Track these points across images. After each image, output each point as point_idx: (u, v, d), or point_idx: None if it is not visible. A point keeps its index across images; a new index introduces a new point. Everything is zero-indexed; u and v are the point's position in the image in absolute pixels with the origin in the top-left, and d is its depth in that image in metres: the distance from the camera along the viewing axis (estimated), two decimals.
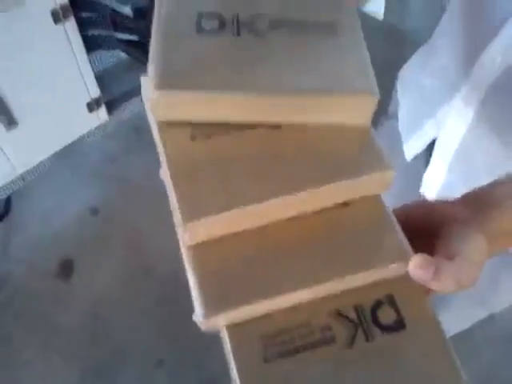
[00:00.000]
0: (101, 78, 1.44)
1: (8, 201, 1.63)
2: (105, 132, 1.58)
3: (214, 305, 0.34)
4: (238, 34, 0.41)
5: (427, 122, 0.69)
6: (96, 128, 1.53)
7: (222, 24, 0.41)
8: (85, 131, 1.51)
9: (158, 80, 0.36)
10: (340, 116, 0.40)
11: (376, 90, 0.38)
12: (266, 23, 0.42)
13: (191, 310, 0.35)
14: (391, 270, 0.37)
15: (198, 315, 0.34)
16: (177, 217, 0.35)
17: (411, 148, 0.74)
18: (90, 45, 1.37)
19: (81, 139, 1.51)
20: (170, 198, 0.38)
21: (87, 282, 1.55)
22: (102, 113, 1.51)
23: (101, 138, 1.63)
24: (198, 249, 0.37)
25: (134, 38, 1.42)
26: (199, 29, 0.40)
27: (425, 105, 0.71)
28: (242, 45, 0.40)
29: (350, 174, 0.37)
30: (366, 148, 0.39)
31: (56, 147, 1.47)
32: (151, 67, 0.37)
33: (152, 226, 1.62)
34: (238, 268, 0.37)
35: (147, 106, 0.42)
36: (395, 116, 0.78)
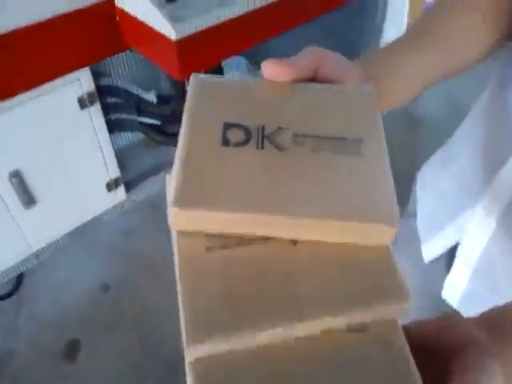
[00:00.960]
0: (119, 156, 1.48)
1: (20, 277, 1.62)
2: (121, 210, 1.59)
3: None
4: (262, 147, 0.40)
5: (448, 226, 0.69)
6: (113, 207, 1.55)
7: (248, 136, 0.41)
8: (102, 210, 1.52)
9: (176, 197, 0.36)
10: (360, 240, 0.39)
11: (396, 221, 0.37)
12: (289, 138, 0.41)
13: None
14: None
15: None
16: (183, 335, 0.34)
17: (430, 249, 0.72)
18: (113, 127, 1.42)
19: (97, 217, 1.52)
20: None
21: (94, 364, 1.50)
22: (121, 192, 1.53)
23: (117, 216, 1.64)
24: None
25: (155, 122, 1.47)
26: (225, 141, 0.40)
27: (445, 208, 0.70)
28: (265, 160, 0.40)
29: (366, 303, 0.36)
30: (385, 275, 0.38)
31: (72, 226, 1.48)
32: (172, 180, 0.37)
33: (162, 306, 1.59)
34: None
35: (168, 200, 0.42)
36: (414, 215, 0.78)
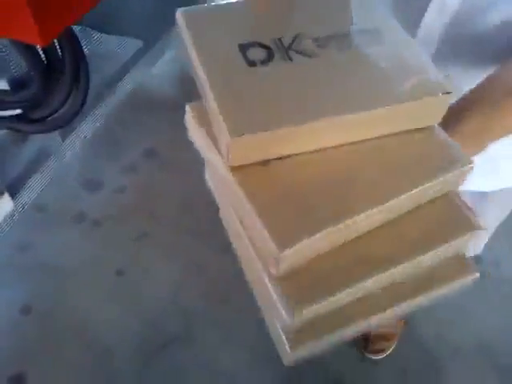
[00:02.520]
0: None
1: None
2: (12, 221, 1.41)
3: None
4: (290, 58, 0.39)
5: None
6: (2, 220, 1.36)
7: (269, 52, 0.39)
8: None
9: (229, 128, 0.33)
10: (413, 123, 0.39)
11: (450, 86, 0.38)
12: (311, 43, 0.40)
13: None
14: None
15: None
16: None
17: None
18: None
19: None
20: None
21: None
22: (6, 201, 1.35)
23: (8, 230, 1.46)
24: None
25: (16, 112, 1.29)
26: (249, 62, 0.38)
27: None
28: (299, 70, 0.38)
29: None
30: (442, 148, 0.40)
31: None
32: (220, 117, 0.35)
33: (95, 307, 1.48)
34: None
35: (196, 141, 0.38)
36: None
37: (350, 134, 0.38)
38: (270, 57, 0.39)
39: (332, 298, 0.35)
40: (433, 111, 0.40)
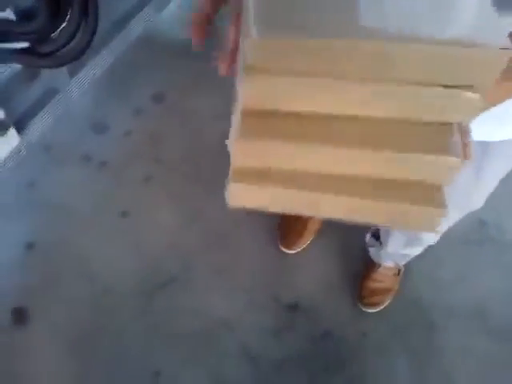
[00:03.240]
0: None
1: None
2: (18, 158, 1.42)
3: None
4: None
5: None
6: (8, 155, 1.37)
7: None
8: None
9: (257, 26, 0.30)
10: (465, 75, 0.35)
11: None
12: None
13: None
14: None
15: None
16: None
17: None
18: None
19: None
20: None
21: (48, 326, 1.41)
22: (13, 136, 1.35)
23: (15, 167, 1.47)
24: None
25: (24, 44, 1.28)
26: None
27: None
28: None
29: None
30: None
31: None
32: (248, 18, 0.32)
33: (96, 244, 1.51)
34: None
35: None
36: None
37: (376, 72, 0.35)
38: None
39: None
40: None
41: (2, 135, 1.33)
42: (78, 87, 1.51)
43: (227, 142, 0.40)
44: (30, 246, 1.52)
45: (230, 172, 0.39)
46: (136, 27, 1.61)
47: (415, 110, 0.36)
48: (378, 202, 0.39)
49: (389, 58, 0.33)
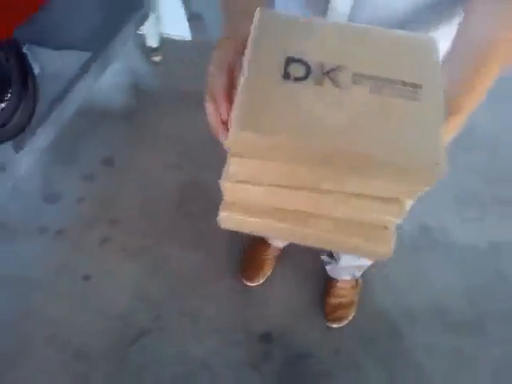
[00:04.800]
0: None
1: None
2: None
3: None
4: (321, 83, 0.41)
5: None
6: None
7: (308, 72, 0.42)
8: None
9: (237, 121, 0.40)
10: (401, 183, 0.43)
11: (443, 164, 0.39)
12: (349, 76, 0.42)
13: None
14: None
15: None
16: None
17: None
18: None
19: None
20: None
21: None
22: None
23: None
24: None
25: None
26: (286, 75, 0.42)
27: None
28: (323, 95, 0.41)
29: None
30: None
31: None
32: (235, 107, 0.41)
33: (62, 311, 1.51)
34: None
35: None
36: None
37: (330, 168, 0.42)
38: (305, 76, 0.42)
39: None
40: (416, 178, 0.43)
41: None
42: (25, 161, 1.55)
43: (219, 181, 0.48)
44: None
45: (222, 203, 0.48)
46: (77, 97, 1.69)
47: (353, 211, 0.46)
48: (338, 236, 0.48)
49: (329, 165, 0.41)
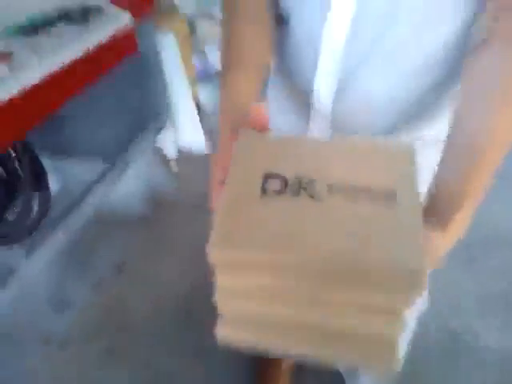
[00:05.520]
0: None
1: None
2: None
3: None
4: (297, 196, 0.42)
5: None
6: None
7: (285, 186, 0.43)
8: None
9: (212, 239, 0.39)
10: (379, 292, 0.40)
11: (422, 271, 0.37)
12: (324, 188, 0.43)
13: None
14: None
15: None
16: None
17: None
18: None
19: None
20: None
21: None
22: None
23: None
24: None
25: None
26: (263, 190, 0.43)
27: None
28: (299, 208, 0.42)
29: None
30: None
31: None
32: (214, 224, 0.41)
33: None
34: None
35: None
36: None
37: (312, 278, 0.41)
38: (282, 190, 0.43)
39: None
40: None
41: None
42: (36, 265, 1.53)
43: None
44: None
45: (218, 318, 0.46)
46: (92, 202, 1.72)
47: (345, 324, 0.42)
48: (335, 351, 0.43)
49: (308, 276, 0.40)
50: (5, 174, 1.26)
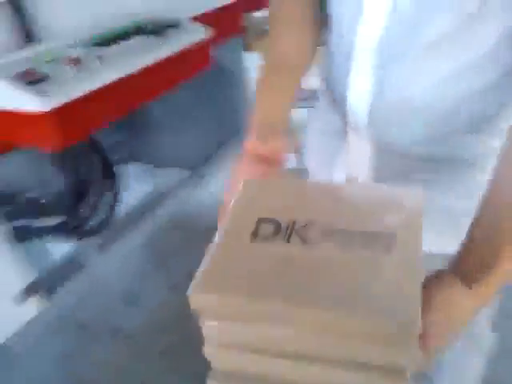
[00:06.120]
0: None
1: None
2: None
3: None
4: (288, 241, 0.42)
5: None
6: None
7: (277, 230, 0.43)
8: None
9: (193, 283, 0.41)
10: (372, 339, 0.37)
11: (415, 325, 0.35)
12: (318, 232, 0.42)
13: None
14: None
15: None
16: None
17: None
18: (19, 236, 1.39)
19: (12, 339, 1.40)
20: None
21: None
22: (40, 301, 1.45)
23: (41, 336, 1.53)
24: None
25: (55, 221, 1.47)
26: (255, 234, 0.43)
27: None
28: (288, 253, 0.40)
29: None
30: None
31: None
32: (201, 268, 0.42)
33: None
34: None
35: None
36: None
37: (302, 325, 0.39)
38: (273, 235, 0.42)
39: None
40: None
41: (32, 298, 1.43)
42: (107, 261, 1.64)
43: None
44: None
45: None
46: (169, 209, 1.80)
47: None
48: None
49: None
50: (80, 173, 1.38)
